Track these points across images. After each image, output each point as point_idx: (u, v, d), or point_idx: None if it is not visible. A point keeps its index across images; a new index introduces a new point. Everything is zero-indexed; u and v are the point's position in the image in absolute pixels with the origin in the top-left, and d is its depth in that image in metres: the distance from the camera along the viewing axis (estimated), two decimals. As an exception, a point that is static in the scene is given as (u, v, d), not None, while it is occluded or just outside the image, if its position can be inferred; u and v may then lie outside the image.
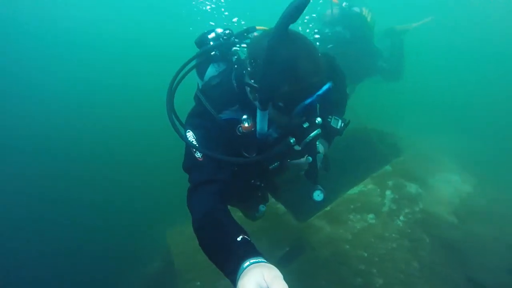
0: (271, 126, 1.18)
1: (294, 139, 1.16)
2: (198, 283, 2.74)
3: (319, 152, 1.46)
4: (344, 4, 3.40)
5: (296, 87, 1.01)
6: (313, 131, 1.20)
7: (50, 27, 8.58)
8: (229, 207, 1.24)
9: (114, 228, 4.12)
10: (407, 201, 2.56)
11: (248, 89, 1.14)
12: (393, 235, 2.33)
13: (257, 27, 1.36)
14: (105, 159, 5.65)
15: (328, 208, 2.75)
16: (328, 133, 1.62)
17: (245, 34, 1.34)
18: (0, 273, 3.95)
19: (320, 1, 3.78)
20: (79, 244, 4.16)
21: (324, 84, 1.07)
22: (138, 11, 9.47)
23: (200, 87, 1.34)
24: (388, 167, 2.90)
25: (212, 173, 1.09)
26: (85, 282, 3.68)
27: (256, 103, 1.09)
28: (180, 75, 1.25)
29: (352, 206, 2.66)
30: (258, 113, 1.10)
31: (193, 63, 1.33)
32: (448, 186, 2.84)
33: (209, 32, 1.33)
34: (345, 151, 3.43)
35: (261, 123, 1.12)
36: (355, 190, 2.78)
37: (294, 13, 0.88)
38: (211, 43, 1.30)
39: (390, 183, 2.74)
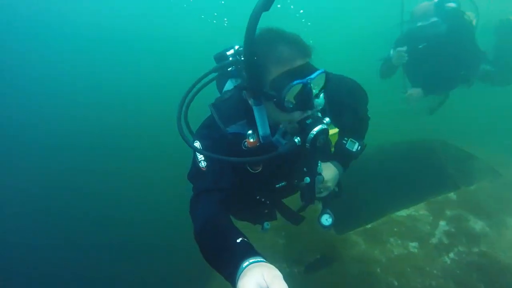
0: (276, 132, 1.16)
1: (299, 138, 1.13)
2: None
3: (319, 174, 1.40)
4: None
5: (281, 70, 1.02)
6: (316, 127, 1.11)
7: (61, 23, 8.16)
8: (236, 221, 1.29)
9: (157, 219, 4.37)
10: (465, 239, 2.19)
11: (245, 94, 1.15)
12: (435, 271, 2.06)
13: None
14: (145, 154, 5.82)
15: (369, 225, 2.60)
16: (343, 156, 1.54)
17: None
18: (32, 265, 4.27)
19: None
20: (125, 234, 4.38)
21: (317, 70, 1.05)
22: (147, 6, 8.97)
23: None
24: (452, 195, 2.50)
25: (215, 182, 1.14)
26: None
27: (251, 101, 1.10)
28: (197, 87, 1.32)
29: (395, 229, 2.44)
30: (256, 112, 1.11)
31: (209, 77, 1.39)
32: (534, 232, 2.28)
33: (229, 49, 1.38)
34: (403, 166, 3.11)
35: (262, 122, 1.12)
36: (403, 212, 2.52)
37: (266, 3, 0.91)
38: (230, 58, 1.34)
39: (448, 213, 2.37)
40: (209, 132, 1.21)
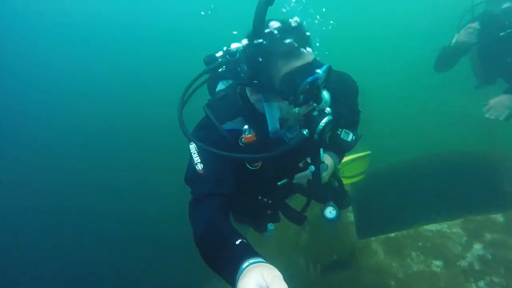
0: (283, 126, 1.17)
1: (307, 130, 1.14)
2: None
3: (323, 162, 1.38)
4: None
5: (293, 65, 1.04)
6: (324, 118, 1.15)
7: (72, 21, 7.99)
8: (237, 224, 1.28)
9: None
10: (504, 270, 1.88)
11: (249, 91, 1.16)
12: (457, 298, 1.85)
13: None
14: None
15: (393, 234, 2.43)
16: (338, 146, 1.49)
17: None
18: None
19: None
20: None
21: (323, 64, 1.07)
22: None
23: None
24: (497, 216, 2.14)
25: (214, 187, 1.11)
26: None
27: (260, 97, 1.11)
28: (189, 91, 1.31)
29: (420, 244, 2.23)
30: (266, 109, 1.11)
31: (201, 80, 1.37)
32: None
33: (217, 51, 1.34)
34: (446, 176, 2.78)
35: (271, 118, 1.12)
36: (433, 226, 2.28)
37: None
38: (220, 60, 1.29)
39: (488, 236, 2.05)
40: (206, 134, 1.19)
